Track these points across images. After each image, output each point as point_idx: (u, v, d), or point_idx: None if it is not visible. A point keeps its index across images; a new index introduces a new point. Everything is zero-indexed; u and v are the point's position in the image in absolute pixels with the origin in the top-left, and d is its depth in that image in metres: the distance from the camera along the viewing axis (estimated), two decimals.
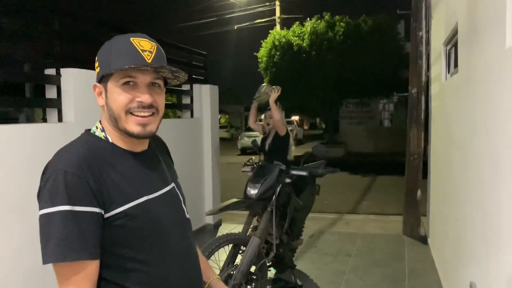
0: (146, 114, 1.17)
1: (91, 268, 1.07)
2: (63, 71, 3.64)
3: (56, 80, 3.62)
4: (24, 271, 3.10)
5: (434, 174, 5.11)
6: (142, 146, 1.27)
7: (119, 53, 1.15)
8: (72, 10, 4.06)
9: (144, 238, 1.16)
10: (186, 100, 6.14)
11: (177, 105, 6.63)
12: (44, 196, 1.06)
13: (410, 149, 5.67)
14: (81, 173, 1.07)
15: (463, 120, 3.04)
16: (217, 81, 6.74)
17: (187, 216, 1.38)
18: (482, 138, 2.41)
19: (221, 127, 35.62)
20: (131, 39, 1.17)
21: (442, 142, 4.26)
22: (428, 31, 5.50)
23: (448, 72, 4.31)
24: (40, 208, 1.06)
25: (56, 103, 3.62)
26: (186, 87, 6.09)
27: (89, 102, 3.83)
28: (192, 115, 6.16)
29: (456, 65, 3.67)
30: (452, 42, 3.95)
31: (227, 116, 45.78)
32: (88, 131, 1.25)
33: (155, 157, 1.33)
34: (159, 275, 1.17)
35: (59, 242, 1.02)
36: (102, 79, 1.19)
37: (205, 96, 6.26)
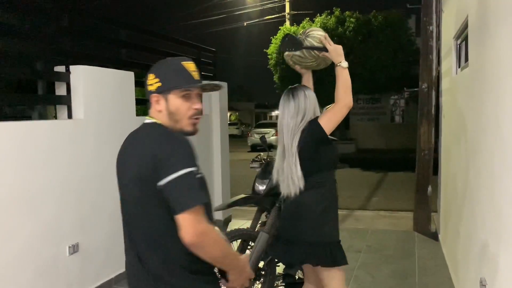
0: (198, 117, 1.64)
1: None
2: (73, 68, 3.67)
3: (65, 77, 3.65)
4: (35, 266, 3.14)
5: (445, 170, 5.06)
6: None
7: (177, 74, 1.61)
8: (81, 7, 4.08)
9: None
10: None
11: None
12: (179, 159, 1.51)
13: (421, 145, 5.62)
14: (191, 145, 1.56)
15: (474, 114, 3.00)
16: (227, 79, 6.75)
17: None
18: (493, 133, 2.37)
19: (231, 124, 35.66)
20: (182, 63, 1.62)
21: (453, 138, 4.21)
22: (438, 25, 5.44)
23: (459, 67, 4.26)
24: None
25: (66, 100, 3.66)
26: None
27: (98, 99, 3.87)
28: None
29: (467, 59, 3.62)
30: (463, 36, 3.90)
31: (237, 113, 45.83)
32: (160, 125, 1.62)
33: None
34: None
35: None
36: (162, 91, 1.61)
37: (214, 93, 6.26)
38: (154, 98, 1.63)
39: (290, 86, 2.58)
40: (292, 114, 2.47)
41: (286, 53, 2.65)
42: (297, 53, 2.58)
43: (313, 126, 2.41)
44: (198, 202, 1.46)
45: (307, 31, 2.59)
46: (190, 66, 1.62)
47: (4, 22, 3.34)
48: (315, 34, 2.54)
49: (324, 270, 2.51)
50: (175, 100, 1.60)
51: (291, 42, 2.57)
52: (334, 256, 2.47)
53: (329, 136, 2.47)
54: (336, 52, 2.46)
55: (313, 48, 2.53)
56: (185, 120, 1.62)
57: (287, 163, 2.47)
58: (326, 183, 2.52)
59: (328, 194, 2.52)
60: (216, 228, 1.55)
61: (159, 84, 1.61)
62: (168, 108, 1.61)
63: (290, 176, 2.47)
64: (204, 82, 1.67)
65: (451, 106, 4.54)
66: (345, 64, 2.41)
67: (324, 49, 2.49)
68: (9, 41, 3.38)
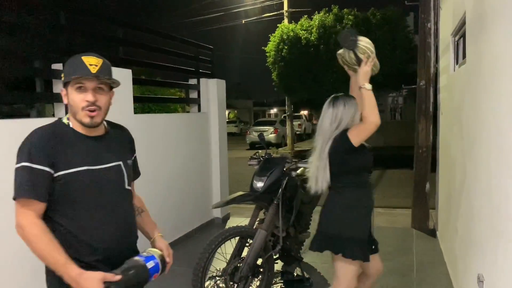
0: (92, 108, 1.67)
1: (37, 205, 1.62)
2: None
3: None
4: (32, 265, 3.14)
5: (443, 167, 5.07)
6: (96, 132, 1.76)
7: (74, 67, 1.65)
8: (78, 5, 4.07)
9: (80, 195, 1.65)
10: (193, 95, 6.15)
11: (184, 99, 6.65)
12: (17, 155, 1.63)
13: (419, 142, 5.63)
14: (41, 143, 1.62)
15: (472, 111, 3.00)
16: (226, 76, 6.75)
17: (126, 187, 1.83)
18: (490, 129, 2.38)
19: (230, 122, 35.67)
20: (82, 57, 1.67)
21: (451, 135, 4.22)
22: (436, 23, 5.44)
23: (457, 63, 4.26)
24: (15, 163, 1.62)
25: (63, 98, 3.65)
26: (193, 81, 6.10)
27: None
28: (199, 110, 6.17)
29: (464, 56, 3.62)
30: (461, 33, 3.90)
31: (236, 111, 45.82)
32: (59, 119, 1.76)
33: (109, 141, 1.81)
34: (92, 224, 1.67)
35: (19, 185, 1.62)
36: (65, 85, 1.68)
37: (212, 90, 6.25)
38: (62, 92, 1.72)
39: (335, 94, 2.73)
40: (329, 121, 2.66)
41: (339, 51, 2.81)
42: (341, 52, 2.76)
43: (342, 137, 2.58)
44: (16, 196, 1.62)
45: (362, 38, 2.69)
46: (89, 60, 1.66)
47: (1, 20, 3.32)
48: (362, 44, 2.64)
49: (336, 260, 2.72)
50: (71, 92, 1.67)
51: (349, 37, 2.65)
52: (347, 250, 2.64)
53: (363, 144, 2.66)
54: (364, 75, 2.58)
55: (355, 53, 2.65)
56: (80, 112, 1.67)
57: (318, 165, 2.67)
58: (351, 185, 2.69)
59: (351, 195, 2.69)
60: (39, 229, 1.60)
61: (63, 78, 1.70)
62: (69, 101, 1.69)
63: (316, 176, 2.69)
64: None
65: (448, 103, 4.55)
66: (369, 86, 2.55)
67: (359, 62, 2.61)
68: (6, 38, 3.36)
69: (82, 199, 1.67)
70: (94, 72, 1.65)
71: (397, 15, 15.83)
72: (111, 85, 1.77)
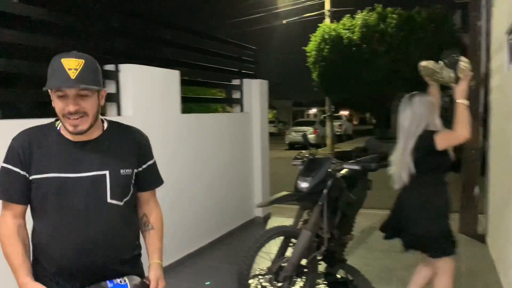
0: (76, 117, 1.53)
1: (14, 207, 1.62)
2: (122, 67, 3.79)
3: (115, 76, 3.78)
4: None
5: (495, 170, 4.87)
6: (85, 136, 1.61)
7: (53, 73, 1.51)
8: (130, 8, 4.21)
9: (47, 202, 1.58)
10: (236, 95, 6.22)
11: (227, 100, 6.72)
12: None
13: (468, 144, 5.43)
14: (18, 145, 1.59)
15: None
16: (265, 76, 6.77)
17: (109, 200, 1.62)
18: None
19: (269, 122, 35.61)
20: (62, 59, 1.50)
21: (505, 136, 4.05)
22: (488, 21, 5.23)
23: (511, 63, 4.09)
24: None
25: (115, 98, 3.79)
26: (236, 81, 6.17)
27: (146, 97, 3.98)
28: (242, 110, 6.23)
29: None
30: None
31: (275, 111, 45.82)
32: (55, 120, 1.67)
33: (99, 147, 1.64)
34: (52, 233, 1.59)
35: None
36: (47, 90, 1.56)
37: (254, 91, 6.30)
38: (51, 96, 1.58)
39: (409, 93, 2.95)
40: (408, 120, 2.84)
41: (423, 64, 2.96)
42: (435, 67, 2.89)
43: (428, 138, 2.72)
44: None
45: (461, 57, 2.82)
46: (69, 63, 1.49)
47: (58, 22, 3.49)
48: (463, 65, 2.75)
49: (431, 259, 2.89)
50: (54, 99, 1.55)
51: (453, 56, 2.81)
52: (433, 249, 2.82)
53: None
54: (462, 92, 2.73)
55: (455, 72, 2.78)
56: (64, 120, 1.55)
57: (401, 162, 2.84)
58: (427, 183, 2.85)
59: (427, 193, 2.85)
60: (7, 230, 1.61)
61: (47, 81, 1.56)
62: (54, 107, 1.57)
63: (400, 173, 2.86)
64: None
65: (502, 104, 4.37)
66: (466, 102, 2.69)
67: (457, 80, 2.76)
68: (64, 40, 3.52)
69: (48, 206, 1.59)
70: (73, 78, 1.48)
71: (443, 13, 15.34)
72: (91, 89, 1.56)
